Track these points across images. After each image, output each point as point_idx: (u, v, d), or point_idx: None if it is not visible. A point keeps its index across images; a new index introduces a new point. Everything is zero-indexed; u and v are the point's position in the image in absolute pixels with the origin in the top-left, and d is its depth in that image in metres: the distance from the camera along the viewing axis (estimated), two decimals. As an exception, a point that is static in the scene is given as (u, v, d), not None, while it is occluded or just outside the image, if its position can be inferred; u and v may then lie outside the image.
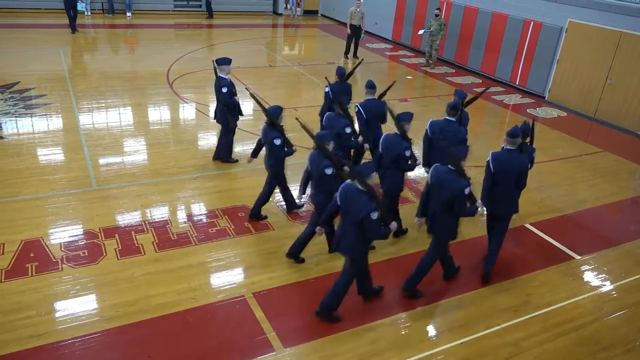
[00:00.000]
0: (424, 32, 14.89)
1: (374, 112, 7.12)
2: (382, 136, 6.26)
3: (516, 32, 13.55)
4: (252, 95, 7.01)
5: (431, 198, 5.35)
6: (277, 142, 6.22)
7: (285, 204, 7.03)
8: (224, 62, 7.44)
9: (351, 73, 7.90)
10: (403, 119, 6.04)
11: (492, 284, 5.92)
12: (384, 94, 7.39)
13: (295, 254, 5.92)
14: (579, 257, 6.62)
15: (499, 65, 14.27)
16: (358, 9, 15.23)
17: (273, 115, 6.24)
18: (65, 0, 15.33)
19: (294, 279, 5.65)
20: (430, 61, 15.10)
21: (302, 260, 5.95)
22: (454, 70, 15.15)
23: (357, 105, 7.23)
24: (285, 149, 6.36)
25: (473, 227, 7.05)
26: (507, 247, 6.66)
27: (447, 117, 6.61)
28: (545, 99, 13.10)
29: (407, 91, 13.49)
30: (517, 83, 13.82)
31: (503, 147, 6.05)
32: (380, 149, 6.19)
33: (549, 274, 6.22)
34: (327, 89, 7.80)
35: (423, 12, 16.62)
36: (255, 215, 6.69)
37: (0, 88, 10.42)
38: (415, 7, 16.97)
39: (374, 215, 4.56)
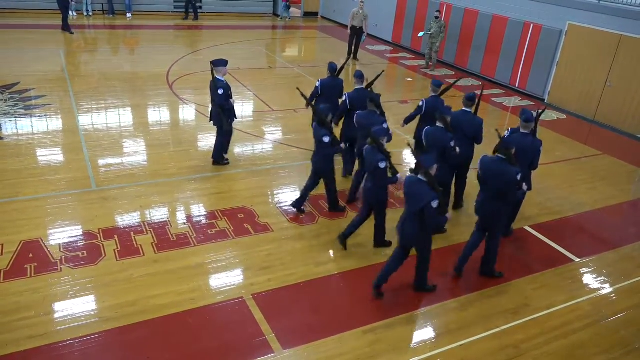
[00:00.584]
0: (424, 34, 14.88)
1: (361, 101, 7.22)
2: (425, 130, 6.59)
3: (516, 35, 13.57)
4: (302, 95, 7.18)
5: (484, 187, 5.67)
6: (326, 139, 6.38)
7: (328, 203, 7.15)
8: (220, 63, 7.44)
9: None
10: (445, 112, 6.44)
11: (492, 286, 5.92)
12: (371, 83, 7.63)
13: (346, 237, 6.25)
14: (579, 260, 6.62)
15: (499, 67, 14.28)
16: (360, 11, 15.29)
17: (323, 114, 6.39)
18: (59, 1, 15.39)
19: (293, 281, 5.65)
20: (430, 63, 15.11)
21: (345, 248, 6.27)
22: (454, 72, 15.17)
23: (345, 95, 7.57)
24: (335, 147, 6.54)
25: (469, 230, 7.04)
26: (507, 250, 6.68)
27: (464, 109, 6.91)
28: (545, 101, 13.11)
29: (407, 93, 13.52)
30: (517, 85, 13.83)
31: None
32: (425, 143, 6.56)
33: (548, 276, 6.22)
34: (317, 84, 7.98)
35: (423, 14, 16.64)
36: (298, 205, 7.00)
37: (0, 89, 10.41)
38: (415, 9, 17.00)
39: (434, 204, 4.90)
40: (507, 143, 5.47)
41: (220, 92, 7.40)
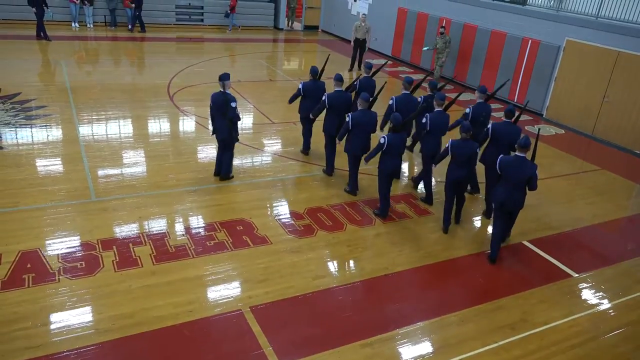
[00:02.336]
0: (428, 49, 14.91)
1: (340, 102, 8.08)
2: (491, 126, 7.43)
3: (515, 50, 13.69)
4: (373, 100, 7.78)
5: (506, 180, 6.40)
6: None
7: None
8: (227, 77, 7.49)
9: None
10: (510, 109, 7.49)
11: (490, 300, 5.91)
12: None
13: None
14: (577, 275, 6.62)
15: (498, 82, 14.36)
16: (363, 24, 15.66)
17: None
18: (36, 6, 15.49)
19: (291, 294, 5.64)
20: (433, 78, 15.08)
21: None
22: (453, 87, 15.24)
23: (324, 95, 8.16)
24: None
25: (468, 244, 7.06)
26: (505, 264, 6.69)
27: (479, 100, 8.25)
28: (544, 116, 13.20)
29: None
30: (515, 100, 13.92)
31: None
32: (490, 138, 7.40)
33: (546, 291, 6.22)
34: (300, 86, 8.63)
35: (422, 28, 16.80)
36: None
37: (1, 99, 10.47)
38: (415, 24, 17.16)
39: (537, 174, 6.30)
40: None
41: (234, 105, 7.49)
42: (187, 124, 10.45)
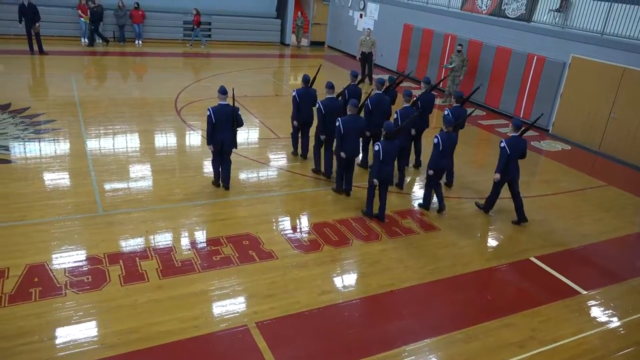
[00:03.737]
0: (453, 66, 14.40)
1: (332, 109, 8.61)
2: (505, 144, 7.76)
3: (520, 66, 13.74)
4: (360, 107, 8.41)
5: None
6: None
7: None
8: (226, 90, 7.74)
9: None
10: (517, 124, 8.05)
11: (497, 317, 5.85)
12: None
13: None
14: (585, 292, 6.56)
15: (503, 98, 14.43)
16: (367, 38, 15.97)
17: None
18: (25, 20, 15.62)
19: (297, 309, 5.61)
20: (449, 97, 14.80)
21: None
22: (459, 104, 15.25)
23: (318, 102, 8.70)
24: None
25: (475, 260, 7.03)
26: (512, 280, 6.65)
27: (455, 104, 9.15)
28: (549, 132, 13.19)
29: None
30: (521, 116, 13.93)
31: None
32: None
33: (554, 308, 6.16)
34: (294, 93, 9.08)
35: (428, 45, 16.92)
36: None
37: (11, 113, 10.59)
38: (420, 40, 17.28)
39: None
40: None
41: (239, 113, 7.88)
42: (194, 139, 10.51)
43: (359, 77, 10.10)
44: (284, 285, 5.98)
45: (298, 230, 7.27)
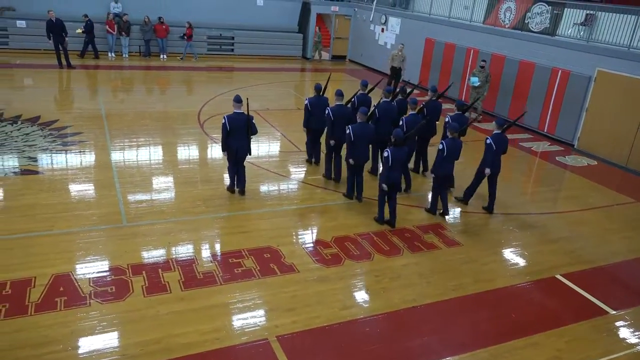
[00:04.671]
0: (479, 84, 14.12)
1: (342, 115, 8.87)
2: (492, 140, 8.22)
3: (544, 80, 13.59)
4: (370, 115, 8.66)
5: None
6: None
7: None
8: (241, 99, 8.03)
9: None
10: (500, 123, 8.55)
11: (522, 337, 5.72)
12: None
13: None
14: (614, 312, 6.37)
15: (527, 112, 14.23)
16: (400, 53, 16.06)
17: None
18: (54, 36, 15.99)
19: (318, 324, 5.58)
20: (475, 114, 14.59)
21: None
22: (481, 117, 15.16)
23: (327, 109, 8.94)
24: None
25: (499, 277, 6.90)
26: (538, 299, 6.51)
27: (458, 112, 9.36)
28: (575, 147, 12.97)
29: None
30: (545, 130, 13.75)
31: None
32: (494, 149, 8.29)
33: (581, 328, 6.00)
34: (306, 102, 9.46)
35: (449, 59, 16.87)
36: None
37: (40, 125, 10.86)
38: (442, 54, 17.25)
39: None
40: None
41: (253, 120, 8.11)
42: (216, 151, 10.60)
43: (369, 87, 10.26)
44: (305, 299, 5.96)
45: (319, 243, 7.26)
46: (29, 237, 6.70)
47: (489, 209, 8.76)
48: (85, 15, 17.43)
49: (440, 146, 8.03)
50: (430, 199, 8.66)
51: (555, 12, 13.60)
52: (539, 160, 12.16)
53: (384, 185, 7.60)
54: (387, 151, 7.45)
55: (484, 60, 14.44)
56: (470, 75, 14.76)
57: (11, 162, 8.96)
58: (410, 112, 9.06)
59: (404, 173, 8.88)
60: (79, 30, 17.42)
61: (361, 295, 6.22)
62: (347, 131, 8.09)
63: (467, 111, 9.63)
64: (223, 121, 7.95)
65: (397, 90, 10.16)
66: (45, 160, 9.18)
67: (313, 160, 10.14)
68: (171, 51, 19.91)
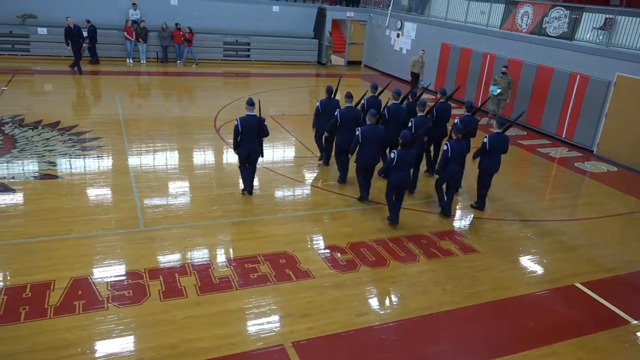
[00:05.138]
0: (499, 92, 13.86)
1: (350, 117, 8.99)
2: (487, 139, 8.42)
3: (562, 86, 13.43)
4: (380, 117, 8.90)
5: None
6: None
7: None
8: (253, 102, 8.21)
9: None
10: (501, 122, 8.71)
11: (540, 346, 5.63)
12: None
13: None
14: (636, 322, 6.24)
15: (544, 117, 14.10)
16: (420, 59, 16.03)
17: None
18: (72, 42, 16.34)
19: (334, 330, 5.56)
20: (493, 118, 14.22)
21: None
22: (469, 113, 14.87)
23: (336, 111, 9.06)
24: None
25: (517, 284, 6.81)
26: (556, 307, 6.40)
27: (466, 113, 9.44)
28: (594, 152, 12.78)
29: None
30: (563, 136, 13.58)
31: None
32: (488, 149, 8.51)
33: (602, 338, 5.88)
34: (317, 104, 9.69)
35: (466, 64, 16.78)
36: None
37: (59, 130, 11.04)
38: (458, 59, 17.17)
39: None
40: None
41: (265, 123, 8.31)
42: (232, 157, 10.60)
43: (379, 90, 10.36)
44: (321, 305, 5.94)
45: (334, 249, 7.24)
46: (48, 240, 6.80)
47: (481, 206, 8.93)
48: (88, 21, 17.68)
49: (445, 147, 8.16)
50: (439, 200, 8.67)
51: (573, 16, 13.46)
52: (557, 166, 12.01)
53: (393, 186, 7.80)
54: (394, 152, 7.56)
55: (505, 67, 14.17)
56: (491, 83, 14.50)
57: (32, 166, 9.11)
58: (419, 114, 9.15)
59: (413, 175, 9.10)
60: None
61: (377, 302, 6.19)
62: (357, 133, 8.22)
63: (476, 113, 9.69)
64: (236, 123, 8.12)
65: (407, 92, 10.28)
66: (64, 165, 9.32)
67: (323, 160, 10.37)
68: (189, 57, 20.11)
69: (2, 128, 10.84)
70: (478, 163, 8.67)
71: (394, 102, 9.48)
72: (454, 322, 5.94)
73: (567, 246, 8.01)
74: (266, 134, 8.36)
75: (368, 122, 8.33)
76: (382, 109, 9.31)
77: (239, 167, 8.61)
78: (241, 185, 8.84)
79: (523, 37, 14.89)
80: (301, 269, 6.65)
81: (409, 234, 7.85)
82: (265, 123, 8.30)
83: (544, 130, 14.17)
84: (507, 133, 8.71)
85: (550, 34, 14.12)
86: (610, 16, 12.57)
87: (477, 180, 8.84)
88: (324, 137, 9.75)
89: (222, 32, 21.00)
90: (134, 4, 19.33)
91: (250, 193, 8.68)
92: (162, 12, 19.73)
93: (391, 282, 6.60)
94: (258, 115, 8.19)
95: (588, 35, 13.20)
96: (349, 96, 9.23)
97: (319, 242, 7.46)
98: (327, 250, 7.20)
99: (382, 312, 6.00)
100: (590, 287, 6.89)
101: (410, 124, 8.93)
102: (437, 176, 8.54)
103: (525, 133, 14.33)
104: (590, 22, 13.12)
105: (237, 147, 8.29)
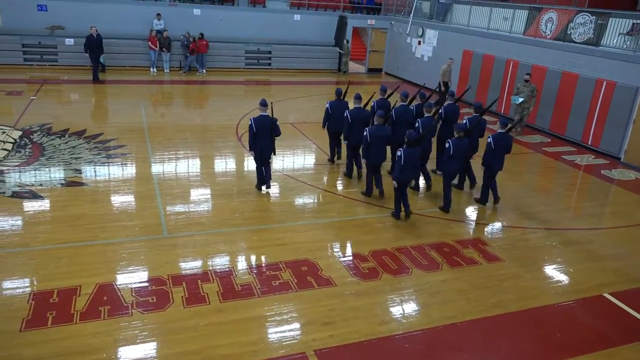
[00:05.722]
0: (522, 101, 13.51)
1: (360, 117, 9.47)
2: (491, 138, 8.73)
3: (587, 92, 13.19)
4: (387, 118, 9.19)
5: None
6: None
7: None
8: (266, 102, 8.67)
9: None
10: (504, 122, 8.96)
11: (569, 357, 5.50)
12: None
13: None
14: (667, 334, 6.06)
15: (570, 124, 13.85)
16: (450, 68, 15.89)
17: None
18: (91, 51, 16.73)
19: (356, 338, 5.51)
20: (519, 128, 14.00)
21: None
22: (520, 129, 14.80)
23: (346, 112, 9.54)
24: None
25: (543, 294, 6.67)
26: (584, 318, 6.25)
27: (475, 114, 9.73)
28: (621, 160, 12.50)
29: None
30: (589, 143, 13.31)
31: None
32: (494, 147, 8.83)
33: (633, 351, 5.71)
34: (327, 105, 10.20)
35: (488, 71, 16.62)
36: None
37: (85, 138, 11.26)
38: (480, 66, 17.02)
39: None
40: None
41: (277, 123, 8.74)
42: (253, 164, 10.68)
43: (389, 92, 10.77)
44: (343, 314, 5.91)
45: (356, 257, 7.21)
46: (74, 246, 6.92)
47: (482, 201, 9.26)
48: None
49: (447, 145, 8.53)
50: (444, 196, 8.91)
51: (599, 22, 13.23)
52: (582, 173, 11.77)
53: (395, 183, 8.10)
54: (401, 151, 7.94)
55: (528, 74, 13.85)
56: (513, 92, 14.19)
57: (58, 174, 9.31)
58: (426, 114, 9.46)
59: (422, 173, 9.48)
60: None
61: (399, 311, 6.13)
62: (365, 133, 8.61)
63: (484, 114, 9.92)
64: (250, 123, 8.58)
65: (415, 94, 10.60)
66: (90, 172, 9.50)
67: (335, 158, 10.85)
68: (211, 66, 20.38)
69: (31, 136, 11.12)
70: (483, 161, 8.95)
71: (402, 104, 9.85)
72: (478, 332, 5.85)
73: (595, 255, 7.83)
74: (278, 133, 8.76)
75: (375, 123, 8.77)
76: (389, 111, 9.62)
77: (256, 167, 9.04)
78: (264, 194, 8.88)
79: (547, 43, 14.70)
80: (323, 277, 6.63)
81: (432, 242, 7.77)
82: (277, 123, 8.70)
83: (569, 137, 13.91)
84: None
85: (576, 40, 13.90)
86: (638, 21, 12.32)
87: (482, 177, 9.18)
88: (341, 139, 10.20)
89: (244, 41, 21.24)
90: (158, 14, 19.69)
91: (260, 189, 9.10)
92: (185, 22, 20.06)
93: (414, 290, 6.53)
94: (270, 115, 8.63)
95: (614, 41, 12.95)
96: (357, 97, 9.65)
97: (341, 250, 7.44)
98: (349, 258, 7.17)
99: (405, 321, 5.94)
100: (620, 297, 6.71)
101: (417, 125, 9.30)
102: (439, 172, 9.27)
103: (550, 140, 14.10)
104: (617, 27, 12.88)
105: (252, 145, 8.73)
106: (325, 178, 10.16)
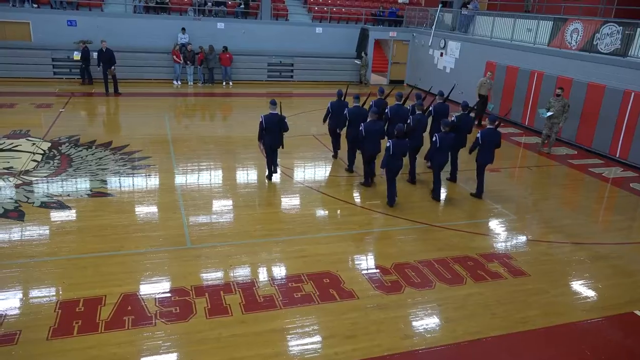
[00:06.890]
0: (550, 114, 13.01)
1: (357, 115, 10.46)
2: (480, 134, 9.62)
3: (615, 103, 12.93)
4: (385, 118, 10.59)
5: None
6: None
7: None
8: (276, 102, 9.76)
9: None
10: (493, 118, 9.83)
11: (599, 376, 5.34)
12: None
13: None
14: (703, 354, 5.84)
15: (596, 136, 13.59)
16: (488, 80, 15.78)
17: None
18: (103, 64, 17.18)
19: (379, 353, 5.45)
20: (547, 142, 13.62)
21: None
22: (575, 152, 14.24)
23: (345, 110, 10.66)
24: None
25: (571, 310, 6.50)
26: (614, 335, 6.07)
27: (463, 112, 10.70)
28: (651, 173, 12.19)
29: (500, 161, 13.11)
30: (617, 155, 13.02)
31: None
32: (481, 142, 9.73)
33: (666, 370, 5.53)
34: (329, 105, 11.36)
35: (512, 82, 16.46)
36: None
37: (112, 150, 11.48)
38: (504, 77, 16.85)
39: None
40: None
41: (286, 119, 9.85)
42: (275, 176, 10.76)
43: (386, 93, 11.89)
44: (365, 327, 5.86)
45: (379, 270, 7.15)
46: (100, 256, 7.02)
47: (478, 195, 9.98)
48: (83, 42, 18.31)
49: (434, 139, 9.58)
50: (434, 186, 9.79)
51: (627, 32, 13.01)
52: (610, 186, 11.50)
53: (383, 171, 9.08)
54: (390, 142, 8.83)
55: (560, 88, 13.28)
56: (545, 106, 13.63)
57: (85, 184, 9.49)
58: (417, 112, 10.55)
59: (410, 165, 10.56)
60: (76, 57, 18.36)
61: (423, 325, 6.04)
62: (360, 128, 9.62)
63: (471, 112, 11.09)
64: (260, 119, 9.67)
65: (407, 94, 11.55)
66: (115, 183, 9.66)
67: (338, 153, 11.89)
68: (234, 79, 20.64)
69: (60, 148, 11.39)
70: (475, 156, 9.80)
71: (397, 103, 10.90)
72: (503, 348, 5.73)
73: (624, 271, 7.62)
74: (286, 129, 9.91)
75: (370, 119, 9.74)
76: (385, 110, 10.69)
77: (267, 160, 10.16)
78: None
79: (573, 54, 14.49)
80: (345, 289, 6.59)
81: (455, 255, 7.67)
82: (285, 120, 9.78)
83: (595, 149, 13.64)
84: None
85: (602, 51, 13.68)
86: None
87: (475, 172, 9.98)
88: (338, 133, 11.51)
89: (267, 54, 21.48)
90: (183, 28, 20.07)
91: (270, 179, 10.22)
92: (209, 36, 20.40)
93: (437, 304, 6.44)
94: (279, 113, 9.69)
95: (642, 51, 12.71)
96: (356, 97, 10.88)
97: (363, 262, 7.39)
98: (372, 271, 7.11)
99: (428, 335, 5.85)
100: (651, 315, 6.51)
101: (408, 121, 10.30)
102: (428, 164, 10.89)
103: (576, 152, 13.84)
104: (645, 37, 12.65)
105: (261, 139, 9.85)
106: (346, 190, 10.14)
